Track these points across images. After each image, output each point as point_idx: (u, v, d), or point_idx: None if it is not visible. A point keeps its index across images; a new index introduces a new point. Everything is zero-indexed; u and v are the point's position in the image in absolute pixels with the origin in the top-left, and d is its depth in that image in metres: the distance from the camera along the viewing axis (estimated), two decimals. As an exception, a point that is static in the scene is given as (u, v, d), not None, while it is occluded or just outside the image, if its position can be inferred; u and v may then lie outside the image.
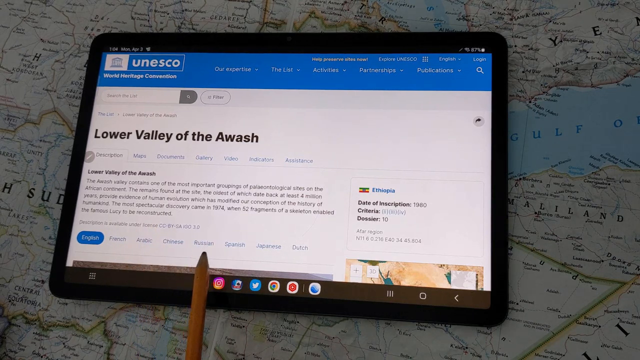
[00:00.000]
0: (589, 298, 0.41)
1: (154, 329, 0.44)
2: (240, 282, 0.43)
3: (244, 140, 0.46)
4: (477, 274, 0.41)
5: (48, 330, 0.45)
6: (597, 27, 0.45)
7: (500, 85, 0.44)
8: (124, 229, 0.45)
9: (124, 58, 0.49)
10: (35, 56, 0.51)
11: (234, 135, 0.46)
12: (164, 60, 0.48)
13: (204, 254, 0.42)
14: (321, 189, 0.44)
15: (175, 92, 0.47)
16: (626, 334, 0.40)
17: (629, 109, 0.43)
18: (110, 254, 0.44)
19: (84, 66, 0.50)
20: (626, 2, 0.46)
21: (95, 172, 0.46)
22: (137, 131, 0.47)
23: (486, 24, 0.47)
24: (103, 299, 0.44)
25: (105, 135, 0.47)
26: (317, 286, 0.42)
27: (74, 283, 0.44)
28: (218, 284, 0.43)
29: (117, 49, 0.49)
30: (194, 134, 0.46)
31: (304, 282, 0.42)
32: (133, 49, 0.49)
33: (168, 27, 0.50)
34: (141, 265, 0.44)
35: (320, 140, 0.45)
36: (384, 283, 0.42)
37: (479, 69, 0.45)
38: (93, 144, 0.47)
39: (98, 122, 0.47)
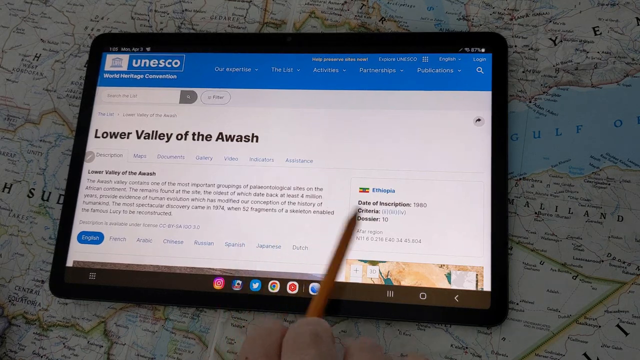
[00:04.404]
0: (589, 298, 0.41)
1: (154, 329, 0.44)
2: (240, 282, 0.43)
3: (244, 140, 0.46)
4: (477, 274, 0.41)
5: (48, 330, 0.45)
6: (597, 27, 0.45)
7: (500, 85, 0.44)
8: (124, 229, 0.45)
9: (124, 58, 0.49)
10: (35, 56, 0.51)
11: (234, 135, 0.46)
12: (164, 60, 0.48)
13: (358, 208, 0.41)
14: (321, 189, 0.44)
15: (175, 92, 0.47)
16: (626, 334, 0.40)
17: (629, 109, 0.43)
18: (110, 254, 0.44)
19: (84, 66, 0.50)
20: (626, 2, 0.46)
21: (95, 172, 0.46)
22: (137, 131, 0.47)
23: (486, 24, 0.47)
24: (103, 299, 0.44)
25: (105, 135, 0.47)
26: (317, 286, 0.42)
27: (74, 283, 0.44)
28: (218, 284, 0.43)
29: (117, 49, 0.49)
30: (194, 134, 0.46)
31: (304, 282, 0.42)
32: (133, 49, 0.49)
33: (168, 27, 0.50)
34: (141, 265, 0.44)
35: (320, 140, 0.45)
36: (384, 283, 0.42)
37: (479, 69, 0.45)
38: (93, 144, 0.47)
39: (98, 122, 0.47)
